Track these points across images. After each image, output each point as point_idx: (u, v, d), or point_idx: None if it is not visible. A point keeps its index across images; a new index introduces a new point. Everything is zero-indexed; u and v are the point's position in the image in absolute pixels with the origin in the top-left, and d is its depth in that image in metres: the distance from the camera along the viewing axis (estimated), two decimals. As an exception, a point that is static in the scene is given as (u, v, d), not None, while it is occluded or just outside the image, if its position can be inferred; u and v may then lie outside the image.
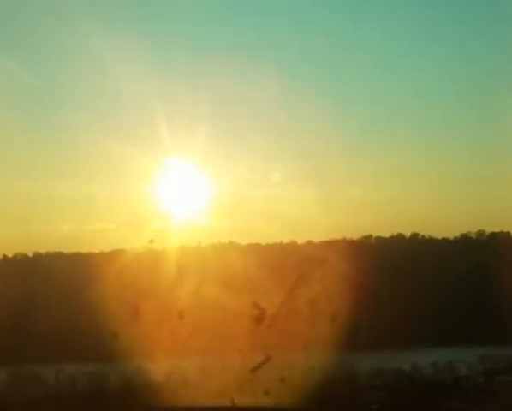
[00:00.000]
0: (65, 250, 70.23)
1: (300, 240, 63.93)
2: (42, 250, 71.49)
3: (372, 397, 33.38)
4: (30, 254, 71.44)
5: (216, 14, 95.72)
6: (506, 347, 41.57)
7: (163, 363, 36.97)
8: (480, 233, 71.81)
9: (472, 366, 42.23)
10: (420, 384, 39.01)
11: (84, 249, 69.58)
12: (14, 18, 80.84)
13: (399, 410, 32.45)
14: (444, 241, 69.85)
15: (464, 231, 71.79)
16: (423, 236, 70.71)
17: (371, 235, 67.52)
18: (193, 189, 61.68)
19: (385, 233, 69.45)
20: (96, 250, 68.57)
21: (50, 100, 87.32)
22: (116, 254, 58.02)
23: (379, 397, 33.95)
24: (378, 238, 67.39)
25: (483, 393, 35.22)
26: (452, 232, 71.54)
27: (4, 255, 69.64)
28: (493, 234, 70.02)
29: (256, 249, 53.92)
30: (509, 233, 66.72)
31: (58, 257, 68.85)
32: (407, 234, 70.65)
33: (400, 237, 68.78)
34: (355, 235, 63.00)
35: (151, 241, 55.37)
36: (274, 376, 23.21)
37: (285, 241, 64.48)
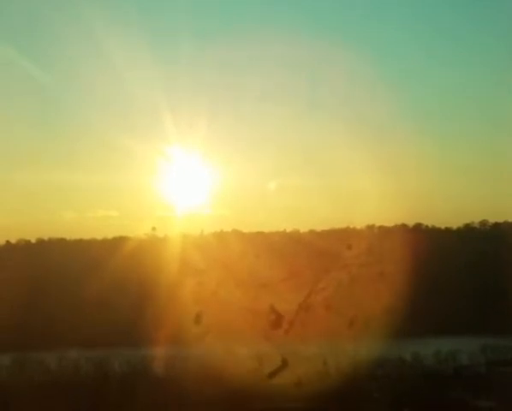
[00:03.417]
0: (68, 237, 70.54)
1: (303, 228, 64.15)
2: (45, 237, 71.70)
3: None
4: (33, 240, 71.64)
5: (218, 7, 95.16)
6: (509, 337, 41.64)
7: (166, 351, 37.10)
8: (484, 223, 71.68)
9: (475, 355, 42.39)
10: (422, 374, 39.21)
11: (87, 236, 70.08)
12: (22, 13, 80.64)
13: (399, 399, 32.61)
14: (447, 230, 69.77)
15: (467, 221, 71.87)
16: (426, 226, 70.60)
17: (374, 225, 67.40)
18: (195, 179, 62.03)
19: (389, 222, 69.29)
20: (99, 237, 69.12)
21: (55, 92, 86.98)
22: (118, 241, 58.21)
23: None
24: (382, 227, 67.24)
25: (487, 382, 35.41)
26: (455, 222, 71.59)
27: (7, 241, 69.82)
28: (496, 224, 69.92)
29: (259, 237, 53.85)
30: (512, 223, 66.54)
31: (61, 243, 68.95)
32: (411, 223, 70.59)
33: (403, 227, 68.58)
34: (359, 224, 62.96)
35: (154, 229, 55.70)
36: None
37: (288, 229, 64.71)
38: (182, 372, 33.37)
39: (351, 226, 58.80)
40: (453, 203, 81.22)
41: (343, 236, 46.31)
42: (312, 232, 61.11)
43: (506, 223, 67.13)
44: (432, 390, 35.29)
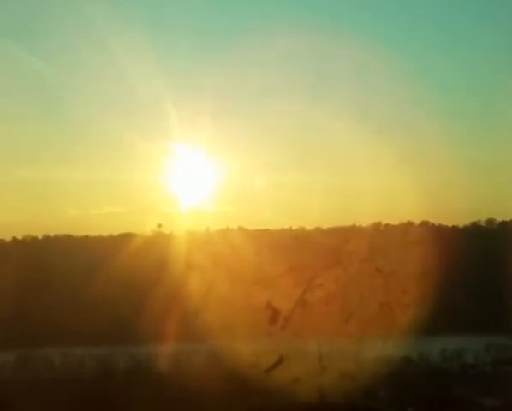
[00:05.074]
0: (74, 233, 70.64)
1: (309, 226, 63.84)
2: (51, 233, 71.84)
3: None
4: (40, 237, 71.80)
5: (221, 2, 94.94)
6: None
7: (170, 347, 37.20)
8: (490, 221, 71.33)
9: (480, 354, 42.30)
10: (427, 372, 39.13)
11: (93, 232, 70.18)
12: (23, 6, 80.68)
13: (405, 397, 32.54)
14: (454, 228, 69.43)
15: (474, 219, 71.55)
16: (433, 224, 70.25)
17: (380, 222, 67.10)
18: (201, 176, 62.11)
19: (395, 220, 68.89)
20: (105, 233, 69.24)
21: (58, 88, 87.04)
22: (124, 238, 58.35)
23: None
24: (388, 225, 66.95)
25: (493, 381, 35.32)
26: (462, 220, 71.26)
27: (14, 237, 70.06)
28: (503, 222, 69.57)
29: (265, 235, 53.67)
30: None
31: (67, 240, 69.14)
32: (417, 221, 70.19)
33: (409, 225, 68.26)
34: (364, 222, 62.68)
35: (160, 226, 55.65)
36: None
37: (294, 227, 64.43)
38: (185, 368, 33.50)
39: (357, 224, 58.58)
40: (460, 201, 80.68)
41: (349, 234, 46.11)
42: (318, 230, 60.86)
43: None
44: (438, 389, 35.26)
